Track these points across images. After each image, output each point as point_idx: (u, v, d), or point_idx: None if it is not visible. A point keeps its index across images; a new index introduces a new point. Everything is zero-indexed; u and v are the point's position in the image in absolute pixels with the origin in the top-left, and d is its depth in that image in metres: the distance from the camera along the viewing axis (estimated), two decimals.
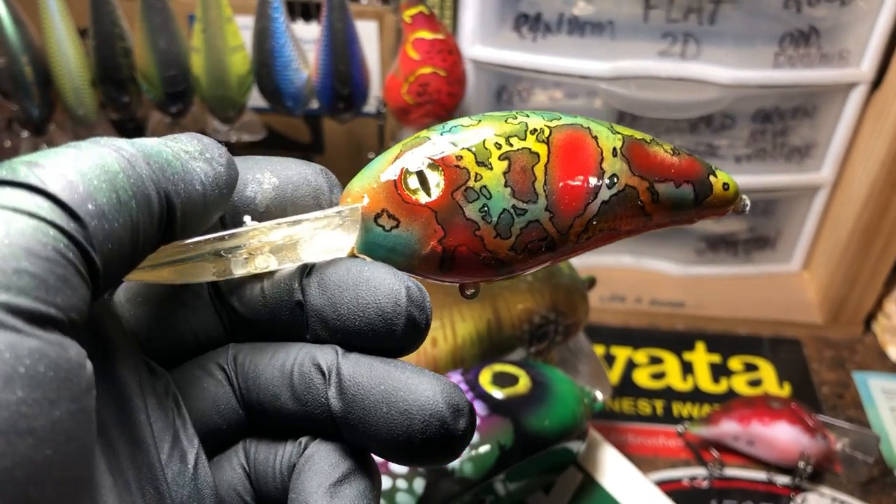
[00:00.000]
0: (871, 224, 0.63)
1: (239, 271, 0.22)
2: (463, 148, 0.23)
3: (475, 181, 0.23)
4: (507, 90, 0.64)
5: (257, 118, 0.62)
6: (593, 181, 0.24)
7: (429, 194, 0.23)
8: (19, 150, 0.62)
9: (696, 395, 0.63)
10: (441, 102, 0.58)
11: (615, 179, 0.25)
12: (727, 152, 0.66)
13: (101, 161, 0.18)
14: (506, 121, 0.24)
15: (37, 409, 0.15)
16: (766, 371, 0.65)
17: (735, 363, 0.66)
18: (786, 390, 0.64)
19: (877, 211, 0.62)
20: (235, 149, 0.75)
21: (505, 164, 0.23)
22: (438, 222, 0.23)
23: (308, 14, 0.65)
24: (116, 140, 0.19)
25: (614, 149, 0.25)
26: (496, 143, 0.23)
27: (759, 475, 0.56)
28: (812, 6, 0.59)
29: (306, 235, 0.22)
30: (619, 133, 0.25)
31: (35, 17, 0.55)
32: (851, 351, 0.68)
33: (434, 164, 0.23)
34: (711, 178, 0.27)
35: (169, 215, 0.19)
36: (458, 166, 0.23)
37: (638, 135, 0.26)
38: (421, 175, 0.23)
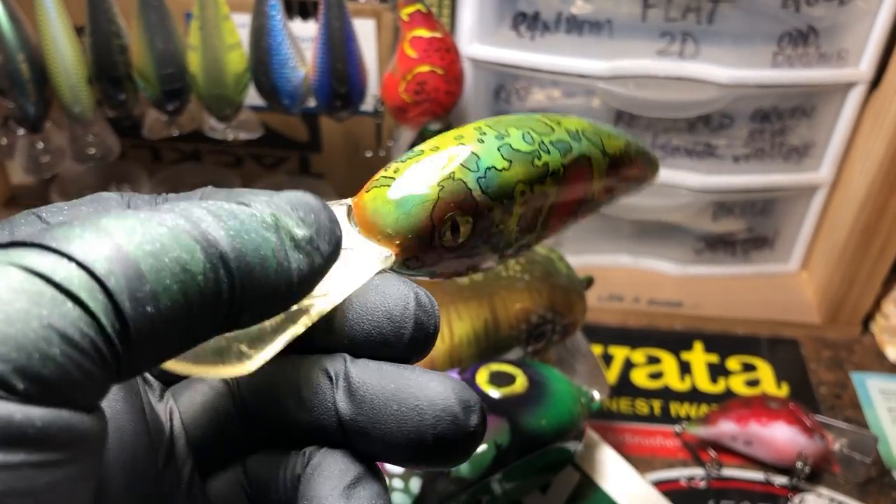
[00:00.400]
0: (869, 224, 0.63)
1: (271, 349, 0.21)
2: (496, 200, 0.23)
3: (497, 227, 0.24)
4: (504, 89, 0.64)
5: (254, 116, 0.62)
6: (578, 206, 0.27)
7: (456, 240, 0.23)
8: (15, 148, 0.62)
9: (694, 395, 0.63)
10: (439, 101, 0.58)
11: (591, 197, 0.27)
12: (725, 152, 0.66)
13: (187, 257, 0.16)
14: (532, 162, 0.24)
15: (39, 470, 0.14)
16: (764, 371, 0.65)
17: (733, 363, 0.66)
18: (784, 390, 0.63)
19: (875, 211, 0.62)
20: (232, 147, 0.75)
21: (523, 208, 0.24)
22: (456, 258, 0.24)
23: (305, 12, 0.65)
24: (219, 217, 0.17)
25: (600, 173, 0.27)
26: (522, 190, 0.24)
27: (757, 475, 0.56)
28: (811, 6, 0.59)
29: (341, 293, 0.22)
30: (608, 154, 0.27)
31: (31, 15, 0.55)
32: (849, 351, 0.68)
33: (466, 217, 0.23)
34: (652, 174, 0.31)
35: (238, 312, 0.18)
36: (488, 217, 0.23)
37: (619, 149, 0.27)
38: (454, 224, 0.23)
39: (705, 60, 0.61)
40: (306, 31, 0.62)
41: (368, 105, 0.62)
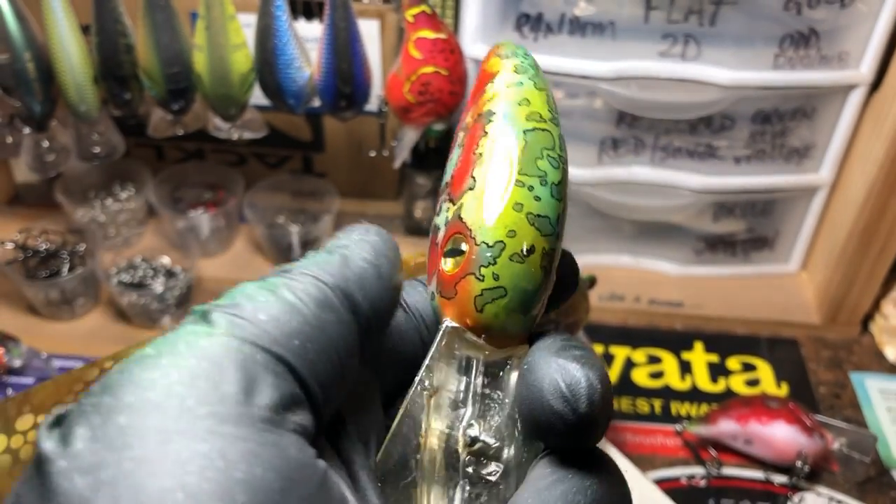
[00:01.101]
0: (868, 225, 0.63)
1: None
2: (562, 233, 0.23)
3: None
4: None
5: (259, 116, 0.63)
6: None
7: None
8: (20, 146, 0.62)
9: (695, 395, 0.63)
10: (442, 101, 0.58)
11: None
12: (726, 153, 0.66)
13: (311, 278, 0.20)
14: (564, 179, 0.23)
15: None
16: (764, 371, 0.66)
17: (733, 363, 0.66)
18: (783, 390, 0.64)
19: (875, 212, 0.62)
20: (236, 146, 0.76)
21: None
22: None
23: (310, 12, 0.65)
24: (321, 263, 0.21)
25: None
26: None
27: (757, 474, 0.57)
28: (812, 8, 0.59)
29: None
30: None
31: (38, 14, 0.55)
32: (848, 351, 0.68)
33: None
34: None
35: (359, 318, 0.20)
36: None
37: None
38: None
39: (707, 62, 0.61)
40: (311, 32, 0.62)
41: (372, 105, 0.62)
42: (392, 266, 0.22)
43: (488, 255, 0.21)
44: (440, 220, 0.23)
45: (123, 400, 0.16)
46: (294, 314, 0.19)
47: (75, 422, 0.16)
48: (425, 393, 0.22)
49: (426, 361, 0.22)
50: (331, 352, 0.19)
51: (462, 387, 0.22)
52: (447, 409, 0.22)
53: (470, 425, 0.21)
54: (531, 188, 0.22)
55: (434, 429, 0.21)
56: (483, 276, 0.21)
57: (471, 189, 0.22)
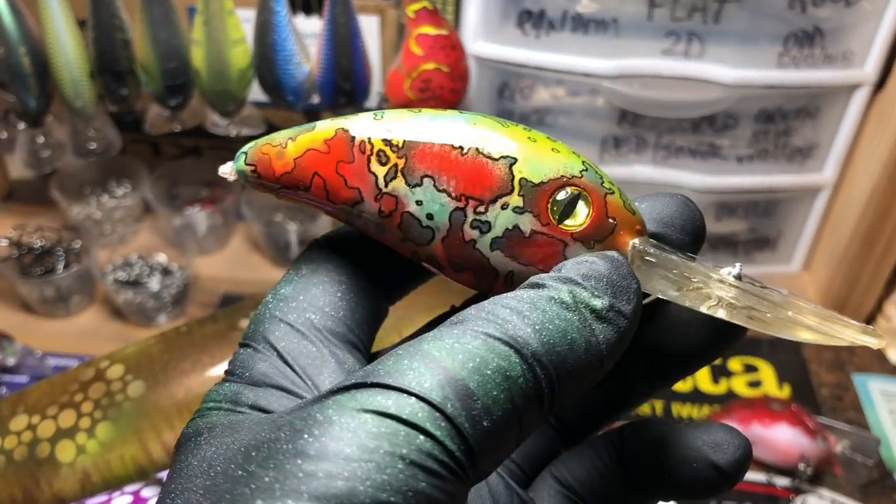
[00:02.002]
0: (872, 226, 0.63)
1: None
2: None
3: None
4: (509, 87, 0.63)
5: (257, 112, 0.62)
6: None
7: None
8: (15, 142, 0.61)
9: (696, 396, 0.63)
10: (443, 98, 0.58)
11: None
12: (729, 152, 0.66)
13: (505, 364, 0.18)
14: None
15: None
16: (766, 372, 0.65)
17: (734, 364, 0.66)
18: (785, 392, 0.63)
19: (878, 213, 0.62)
20: (233, 142, 0.75)
21: None
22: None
23: (309, 8, 0.64)
24: (522, 313, 0.18)
25: None
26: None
27: (759, 477, 0.56)
28: (817, 7, 0.59)
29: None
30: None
31: (34, 8, 0.55)
32: (851, 353, 0.68)
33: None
34: None
35: (559, 400, 0.19)
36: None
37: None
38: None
39: (711, 60, 0.61)
40: (310, 28, 0.61)
41: (372, 101, 0.62)
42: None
43: (593, 175, 0.22)
44: (506, 221, 0.22)
45: None
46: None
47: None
48: (685, 290, 0.22)
49: (677, 272, 0.22)
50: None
51: (683, 260, 0.22)
52: (708, 281, 0.22)
53: (718, 269, 0.22)
54: (529, 128, 0.23)
55: (723, 297, 0.22)
56: (612, 189, 0.22)
57: (514, 162, 0.22)
